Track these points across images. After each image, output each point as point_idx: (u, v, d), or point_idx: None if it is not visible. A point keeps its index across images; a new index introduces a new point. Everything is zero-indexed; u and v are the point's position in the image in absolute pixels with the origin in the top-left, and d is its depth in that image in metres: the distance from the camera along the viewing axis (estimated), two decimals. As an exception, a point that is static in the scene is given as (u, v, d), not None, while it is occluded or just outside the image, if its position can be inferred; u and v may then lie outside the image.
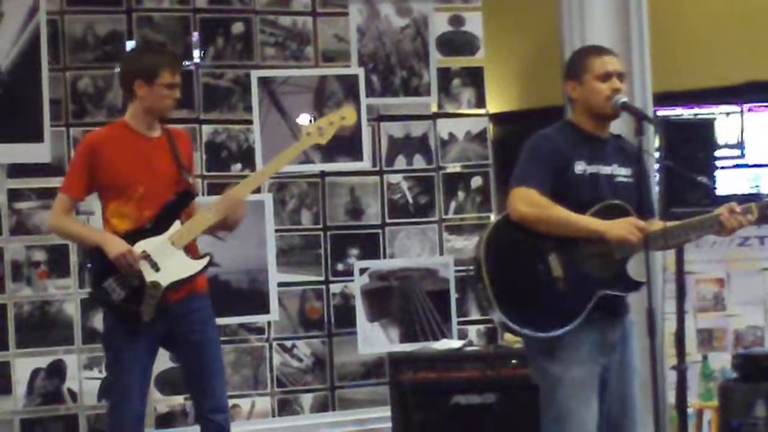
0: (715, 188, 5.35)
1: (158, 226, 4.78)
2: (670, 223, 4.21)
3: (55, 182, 5.49)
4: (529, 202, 4.16)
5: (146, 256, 4.72)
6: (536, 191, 4.17)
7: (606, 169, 4.30)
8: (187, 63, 6.51)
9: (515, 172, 4.25)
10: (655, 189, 4.55)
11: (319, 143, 4.98)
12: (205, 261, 4.85)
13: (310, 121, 6.20)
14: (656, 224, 4.27)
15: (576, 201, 4.20)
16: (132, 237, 4.74)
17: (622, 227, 4.15)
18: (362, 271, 6.78)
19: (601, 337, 4.26)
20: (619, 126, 4.46)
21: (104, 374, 5.93)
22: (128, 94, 4.90)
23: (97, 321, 5.94)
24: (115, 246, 4.69)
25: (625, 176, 4.33)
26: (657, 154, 4.42)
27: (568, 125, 4.39)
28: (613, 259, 4.21)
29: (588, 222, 4.18)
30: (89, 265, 4.89)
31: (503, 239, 4.21)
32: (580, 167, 4.25)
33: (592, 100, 4.29)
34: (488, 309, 4.22)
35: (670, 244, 4.36)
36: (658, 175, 4.46)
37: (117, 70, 5.20)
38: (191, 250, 4.85)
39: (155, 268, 4.73)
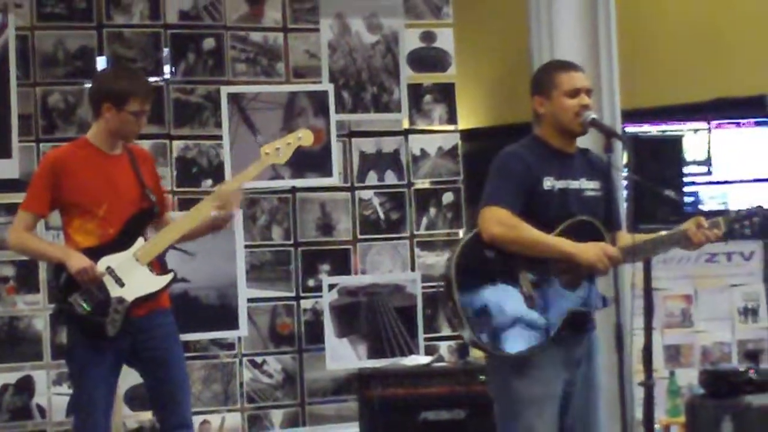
0: (684, 204, 5.37)
1: (122, 242, 4.78)
2: (638, 236, 4.21)
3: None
4: (500, 222, 4.14)
5: (111, 272, 4.71)
6: (507, 211, 4.15)
7: (574, 184, 4.28)
8: (157, 78, 6.51)
9: (485, 191, 4.22)
10: (624, 204, 4.57)
11: (278, 163, 5.03)
12: (169, 277, 4.86)
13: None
14: (624, 237, 4.28)
15: (545, 217, 4.19)
16: (96, 253, 4.72)
17: (594, 253, 4.13)
18: (331, 287, 6.79)
19: (567, 353, 4.25)
20: (588, 143, 4.45)
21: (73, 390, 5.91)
22: (95, 113, 4.87)
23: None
24: (76, 261, 4.67)
25: (593, 189, 4.31)
26: (625, 171, 4.43)
27: (534, 141, 4.37)
28: (582, 277, 4.21)
29: (560, 243, 4.16)
30: (54, 281, 4.86)
31: (473, 257, 4.18)
32: (548, 183, 4.23)
33: (560, 116, 4.27)
34: (458, 327, 4.19)
35: (637, 259, 4.38)
36: (626, 191, 4.47)
37: (88, 85, 5.16)
38: (155, 267, 4.85)
39: (119, 283, 4.72)
